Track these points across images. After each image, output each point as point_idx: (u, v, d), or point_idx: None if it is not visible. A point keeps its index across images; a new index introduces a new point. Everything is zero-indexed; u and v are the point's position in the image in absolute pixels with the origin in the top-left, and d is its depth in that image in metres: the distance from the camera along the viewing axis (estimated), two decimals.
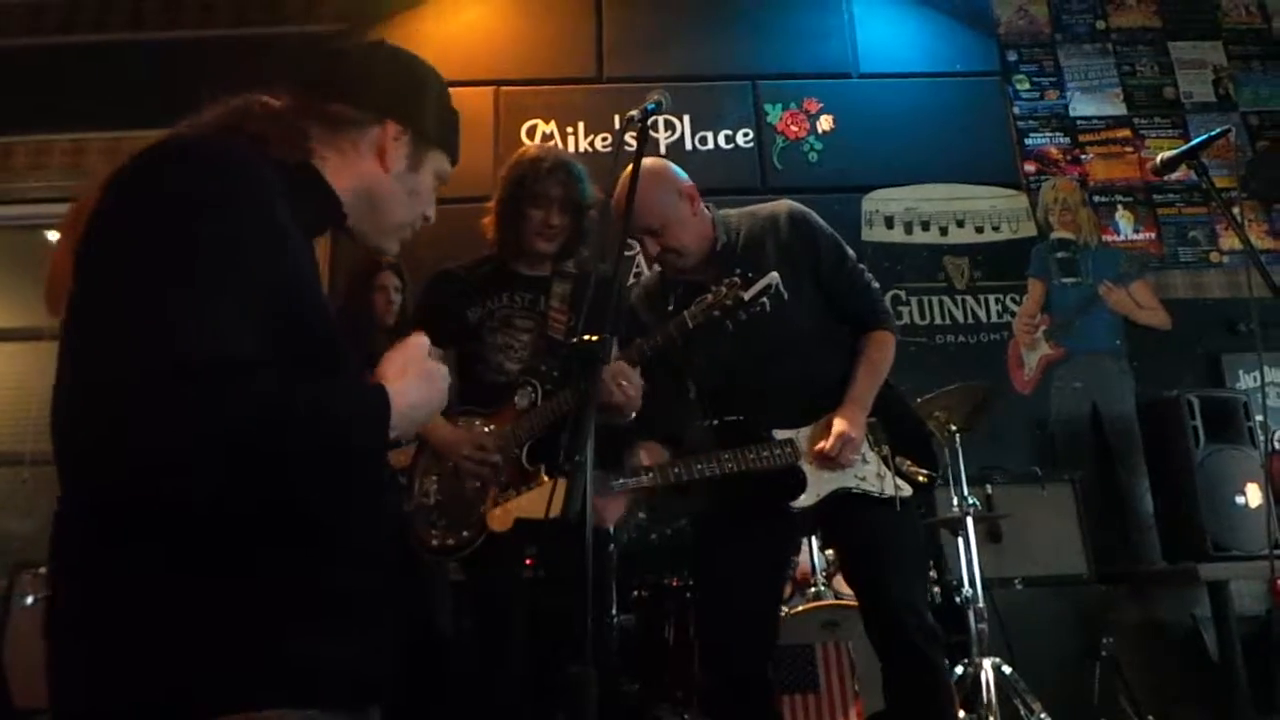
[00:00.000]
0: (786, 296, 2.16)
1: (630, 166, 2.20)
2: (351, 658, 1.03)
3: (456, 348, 2.49)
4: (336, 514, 1.06)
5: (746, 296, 2.05)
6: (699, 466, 2.14)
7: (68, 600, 0.99)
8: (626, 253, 3.00)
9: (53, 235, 4.45)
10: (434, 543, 2.26)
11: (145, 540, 0.95)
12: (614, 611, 2.72)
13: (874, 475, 2.22)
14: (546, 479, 2.05)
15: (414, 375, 1.12)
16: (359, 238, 1.26)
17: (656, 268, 2.42)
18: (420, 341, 1.16)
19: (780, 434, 2.21)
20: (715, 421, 2.27)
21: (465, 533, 2.23)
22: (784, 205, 2.40)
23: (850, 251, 2.38)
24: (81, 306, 0.97)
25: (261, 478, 0.93)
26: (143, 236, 0.95)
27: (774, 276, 2.08)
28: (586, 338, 1.43)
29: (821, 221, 2.38)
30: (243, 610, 0.95)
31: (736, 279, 2.08)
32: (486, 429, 2.31)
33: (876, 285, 2.40)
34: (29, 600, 3.01)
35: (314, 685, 0.97)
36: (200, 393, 0.88)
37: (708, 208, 2.38)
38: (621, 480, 2.10)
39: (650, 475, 2.12)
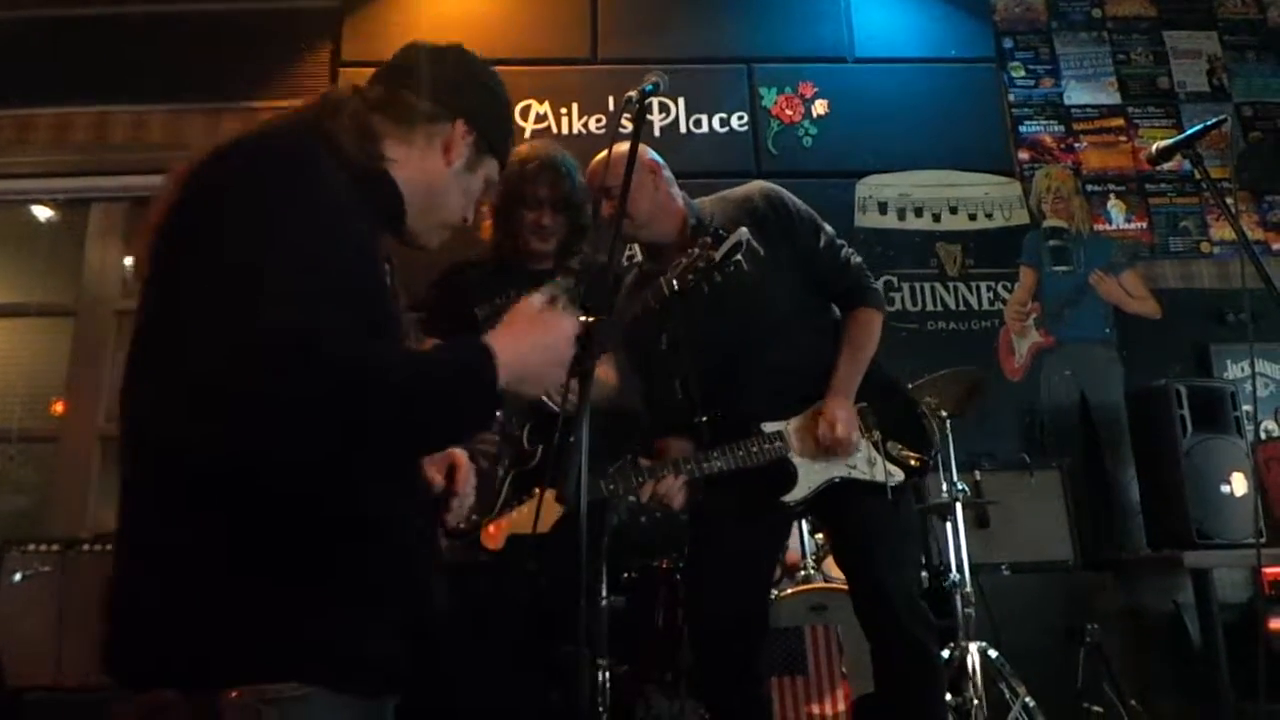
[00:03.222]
0: (763, 253, 2.13)
1: (609, 148, 2.22)
2: (371, 647, 1.05)
3: None
4: (387, 502, 1.09)
5: (717, 256, 2.02)
6: (689, 466, 2.13)
7: (120, 564, 1.04)
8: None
9: (38, 210, 4.42)
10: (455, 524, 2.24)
11: (196, 516, 0.98)
12: (604, 593, 2.73)
13: (864, 462, 2.22)
14: (537, 492, 2.04)
15: (522, 324, 1.16)
16: (407, 233, 1.29)
17: (634, 264, 2.42)
18: (530, 302, 1.20)
19: (769, 427, 2.21)
20: (704, 418, 2.26)
21: (476, 516, 2.23)
22: (756, 186, 2.39)
23: (828, 227, 2.36)
24: (161, 292, 1.02)
25: (348, 445, 0.96)
26: (219, 225, 0.99)
27: (743, 232, 2.05)
28: (585, 318, 1.43)
29: (794, 198, 2.36)
30: (272, 590, 0.98)
31: (708, 239, 2.05)
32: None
33: (859, 260, 2.37)
34: (17, 577, 2.99)
35: (328, 667, 1.00)
36: (290, 360, 0.91)
37: (682, 195, 2.36)
38: (612, 486, 2.10)
39: (641, 480, 2.12)
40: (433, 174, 1.26)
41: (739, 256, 2.03)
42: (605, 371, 2.46)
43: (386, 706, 1.12)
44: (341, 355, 0.94)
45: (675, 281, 2.04)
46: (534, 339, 1.15)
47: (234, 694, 0.93)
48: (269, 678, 0.95)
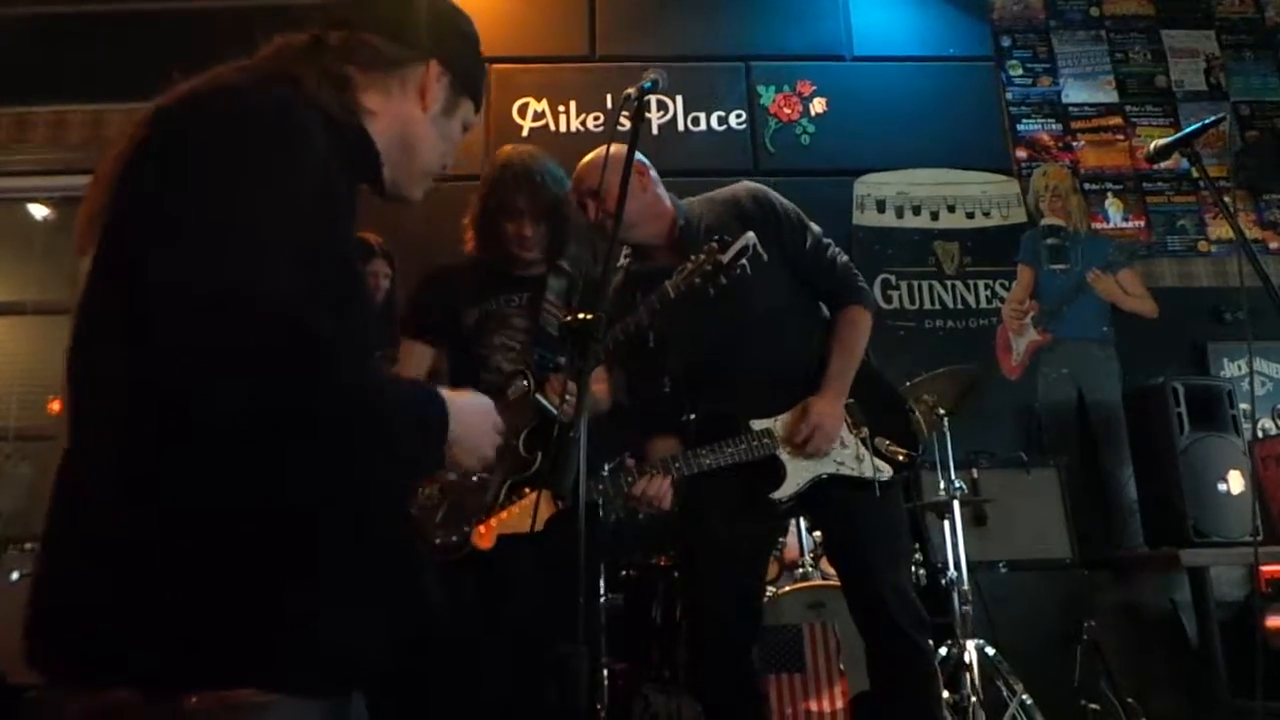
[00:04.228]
0: (766, 258, 2.13)
1: (598, 150, 2.20)
2: (342, 644, 0.99)
3: (451, 346, 2.47)
4: (345, 496, 1.03)
5: (725, 259, 2.02)
6: (677, 465, 2.13)
7: (60, 556, 0.96)
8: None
9: (35, 209, 4.41)
10: (436, 540, 2.23)
11: (154, 503, 0.91)
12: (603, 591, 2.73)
13: (853, 458, 2.22)
14: (529, 492, 2.04)
15: (471, 407, 1.14)
16: (388, 186, 1.22)
17: (622, 262, 2.40)
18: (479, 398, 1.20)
19: (758, 424, 2.21)
20: (691, 416, 2.26)
21: (468, 529, 2.21)
22: (743, 186, 2.39)
23: (814, 226, 2.36)
24: (130, 236, 0.94)
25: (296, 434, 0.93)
26: (197, 175, 0.93)
27: (750, 236, 2.05)
28: (580, 316, 1.43)
29: (781, 198, 2.36)
30: (230, 589, 0.91)
31: (715, 244, 2.05)
32: None
33: (846, 259, 2.37)
34: (15, 576, 2.99)
35: (293, 668, 0.94)
36: (259, 321, 0.86)
37: (669, 196, 2.35)
38: (602, 488, 2.10)
39: (631, 480, 2.12)
40: (409, 121, 1.19)
41: (744, 261, 2.03)
42: (598, 387, 2.43)
43: (353, 700, 1.06)
44: (314, 331, 0.90)
45: (682, 285, 2.04)
46: (476, 417, 1.16)
47: (194, 699, 0.88)
48: (230, 678, 0.89)
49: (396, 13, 1.21)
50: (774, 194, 2.36)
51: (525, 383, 2.28)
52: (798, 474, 2.19)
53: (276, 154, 0.96)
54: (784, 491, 2.18)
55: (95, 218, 0.99)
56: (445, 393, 1.09)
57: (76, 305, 0.98)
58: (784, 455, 2.20)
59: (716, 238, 2.06)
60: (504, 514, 1.96)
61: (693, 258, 2.06)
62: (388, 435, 1.02)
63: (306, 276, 0.91)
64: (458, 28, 1.29)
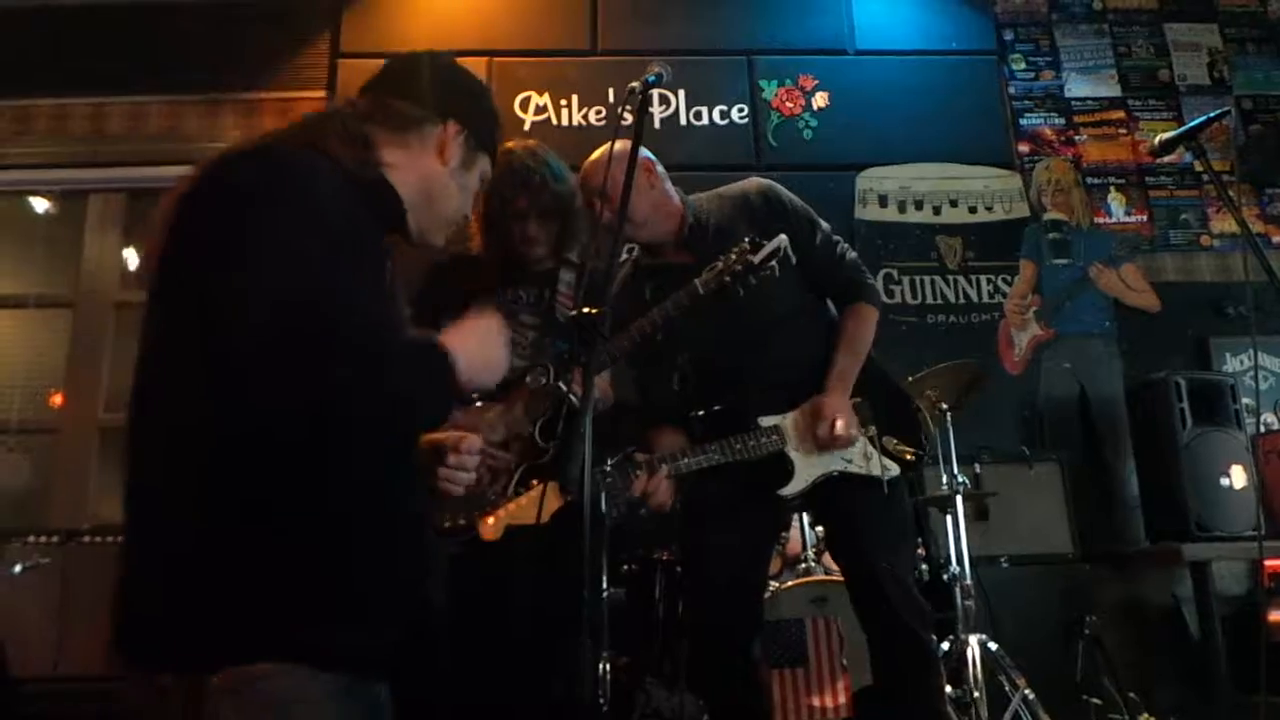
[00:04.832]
0: (794, 260, 2.14)
1: (602, 148, 2.20)
2: (362, 635, 1.09)
3: None
4: (385, 492, 1.16)
5: (757, 260, 2.03)
6: (685, 460, 2.13)
7: (127, 558, 1.10)
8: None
9: (36, 202, 4.41)
10: (445, 524, 2.23)
11: (201, 507, 1.05)
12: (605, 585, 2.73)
13: (860, 456, 2.22)
14: (536, 484, 2.04)
15: (470, 333, 1.28)
16: (412, 234, 1.36)
17: (627, 256, 2.39)
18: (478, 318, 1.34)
19: (766, 421, 2.21)
20: (701, 412, 2.26)
21: (476, 515, 2.21)
22: (752, 183, 2.38)
23: (823, 223, 2.35)
24: (176, 301, 1.10)
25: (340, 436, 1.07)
26: (243, 215, 1.08)
27: (783, 239, 2.06)
28: (587, 310, 1.43)
29: (791, 195, 2.35)
30: (268, 580, 1.04)
31: (747, 244, 2.06)
32: (492, 411, 2.28)
33: (854, 255, 2.37)
34: (18, 569, 3.00)
35: (317, 654, 1.05)
36: (309, 339, 1.02)
37: (677, 192, 2.34)
38: (610, 479, 2.10)
39: (639, 473, 2.12)
40: (430, 175, 1.33)
41: (774, 262, 2.03)
42: (601, 384, 2.41)
43: (376, 690, 1.15)
44: (355, 334, 1.05)
45: (713, 284, 2.04)
46: (474, 337, 1.29)
47: (218, 678, 1.00)
48: (249, 659, 1.02)
49: (414, 78, 1.38)
50: (783, 191, 2.35)
51: (544, 372, 2.28)
52: (806, 471, 2.19)
53: (310, 198, 1.12)
54: (792, 488, 2.18)
55: (154, 259, 1.13)
56: (446, 336, 1.24)
57: (140, 339, 1.14)
58: (792, 452, 2.19)
59: (748, 238, 2.06)
60: (512, 505, 1.96)
61: (723, 257, 2.07)
62: (412, 409, 1.19)
63: (339, 298, 1.07)
64: (474, 90, 1.46)
